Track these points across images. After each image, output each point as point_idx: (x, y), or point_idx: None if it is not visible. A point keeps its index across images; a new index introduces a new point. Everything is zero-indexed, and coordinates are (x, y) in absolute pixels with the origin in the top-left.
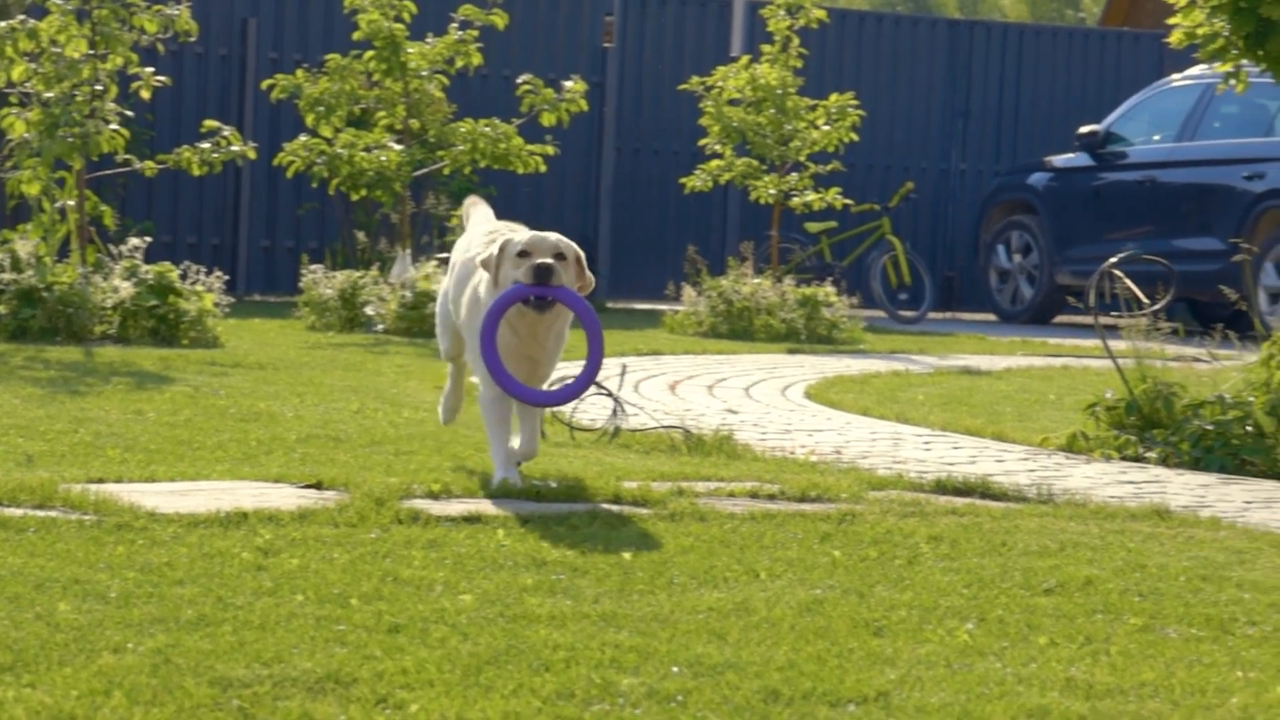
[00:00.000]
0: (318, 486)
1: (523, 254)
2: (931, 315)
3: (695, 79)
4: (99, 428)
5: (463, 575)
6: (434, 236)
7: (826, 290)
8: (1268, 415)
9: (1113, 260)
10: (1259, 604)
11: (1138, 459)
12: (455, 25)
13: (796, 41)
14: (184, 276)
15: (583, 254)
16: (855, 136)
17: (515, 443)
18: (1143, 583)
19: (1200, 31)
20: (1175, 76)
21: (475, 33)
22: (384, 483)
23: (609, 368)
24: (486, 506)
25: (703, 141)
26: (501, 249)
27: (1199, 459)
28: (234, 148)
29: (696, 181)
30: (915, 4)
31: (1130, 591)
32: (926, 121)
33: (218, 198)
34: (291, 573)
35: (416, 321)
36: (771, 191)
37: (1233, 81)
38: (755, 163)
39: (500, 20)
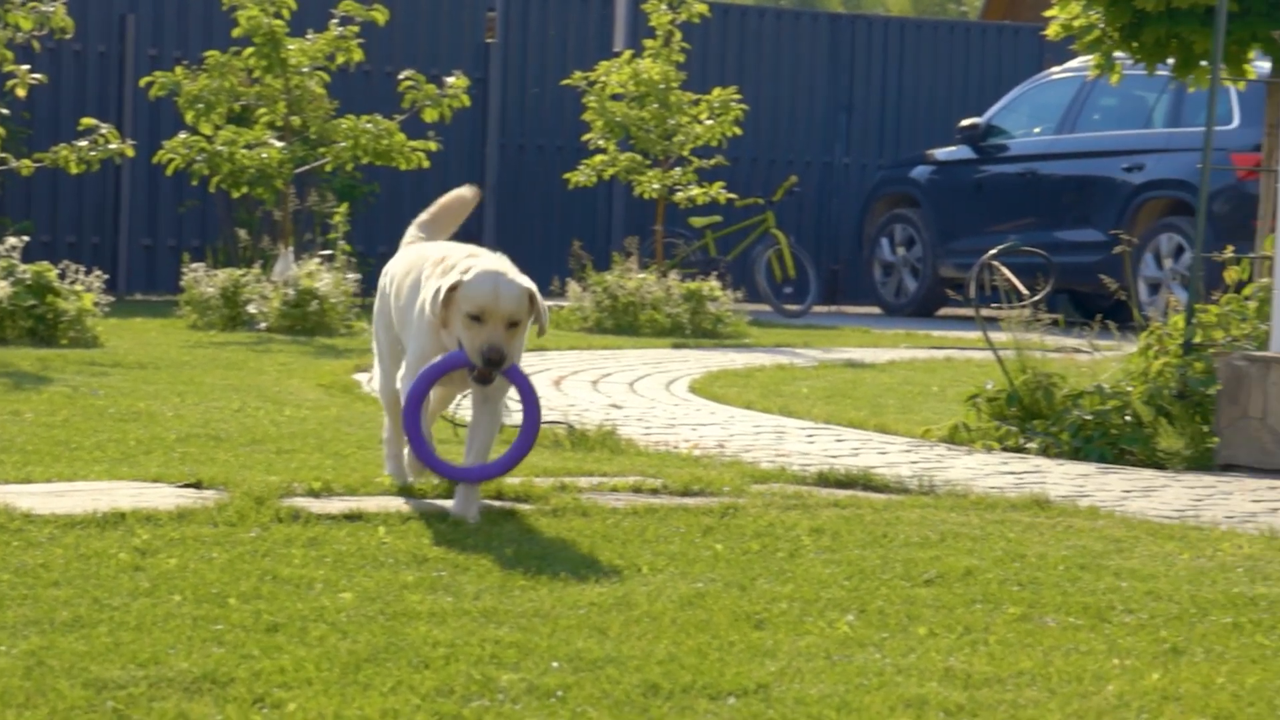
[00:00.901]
0: (197, 486)
1: (474, 317)
2: (816, 309)
3: (578, 74)
4: None
5: (343, 573)
6: (317, 234)
7: (711, 285)
8: (1146, 405)
9: (992, 252)
10: (1136, 592)
11: (1019, 450)
12: (336, 21)
13: (679, 36)
14: (63, 276)
15: (535, 290)
16: (739, 131)
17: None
18: (1022, 572)
19: (1076, 24)
20: (1055, 69)
21: (356, 28)
22: (264, 481)
23: None
24: (368, 504)
25: (586, 136)
26: (450, 295)
27: (1079, 449)
28: (112, 146)
29: (580, 177)
30: None
31: (1009, 581)
32: (810, 115)
33: (97, 196)
34: (169, 573)
35: (299, 319)
36: (655, 186)
37: (1106, 73)
38: (639, 158)
39: (381, 16)
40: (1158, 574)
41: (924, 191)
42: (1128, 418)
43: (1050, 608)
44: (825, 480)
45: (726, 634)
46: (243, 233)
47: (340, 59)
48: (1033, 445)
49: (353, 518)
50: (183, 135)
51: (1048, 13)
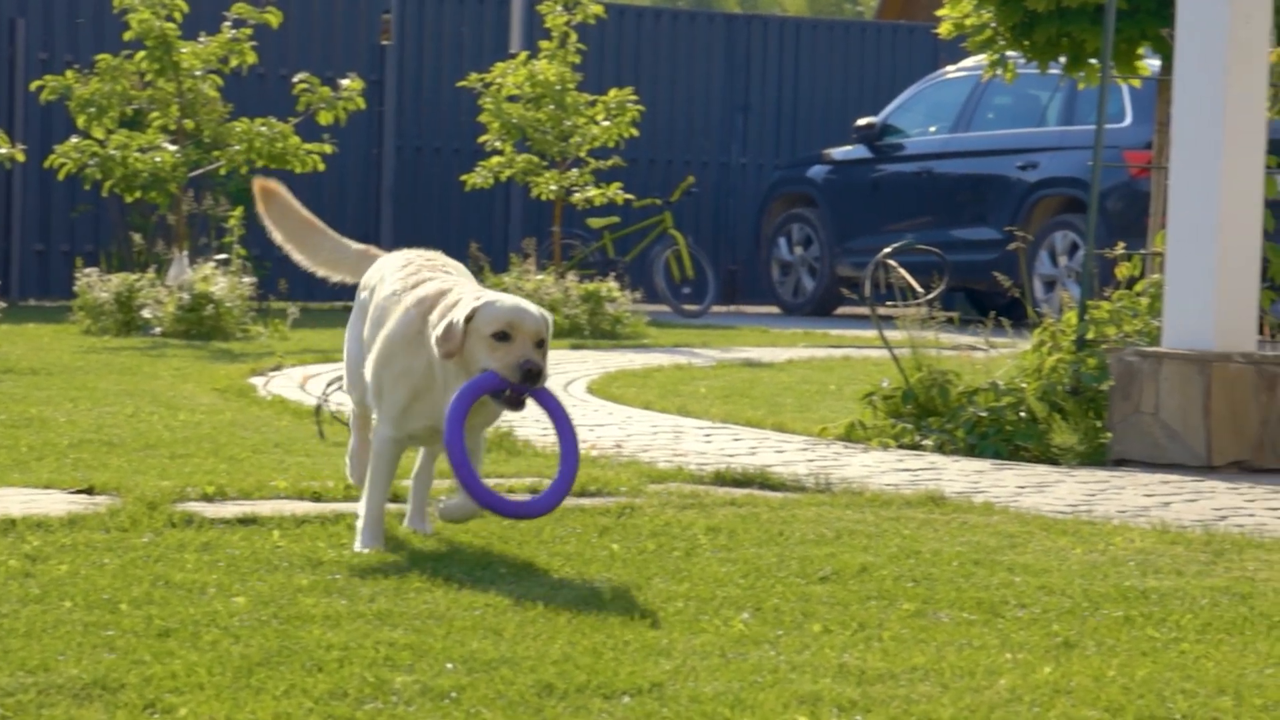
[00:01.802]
0: (89, 492)
1: (500, 335)
2: (715, 309)
3: (474, 75)
4: None
5: (236, 577)
6: (212, 238)
7: (610, 285)
8: (1040, 401)
9: (887, 251)
10: (1029, 587)
11: (914, 447)
12: (229, 24)
13: (574, 37)
14: None
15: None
16: (635, 132)
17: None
18: (916, 569)
19: (969, 22)
20: (950, 68)
21: (249, 31)
22: (157, 486)
23: None
24: (262, 508)
25: (483, 138)
26: (470, 320)
27: (974, 446)
28: (2, 150)
29: (477, 179)
30: None
31: (904, 577)
32: (706, 116)
33: None
34: (60, 579)
35: (195, 324)
36: (553, 188)
37: (999, 71)
38: (536, 159)
39: (274, 18)
40: (1050, 569)
41: (821, 191)
42: (1022, 414)
43: (944, 603)
44: (722, 479)
45: (621, 633)
46: (137, 237)
47: (234, 62)
48: (928, 442)
49: (247, 522)
50: (75, 139)
51: (939, 11)
